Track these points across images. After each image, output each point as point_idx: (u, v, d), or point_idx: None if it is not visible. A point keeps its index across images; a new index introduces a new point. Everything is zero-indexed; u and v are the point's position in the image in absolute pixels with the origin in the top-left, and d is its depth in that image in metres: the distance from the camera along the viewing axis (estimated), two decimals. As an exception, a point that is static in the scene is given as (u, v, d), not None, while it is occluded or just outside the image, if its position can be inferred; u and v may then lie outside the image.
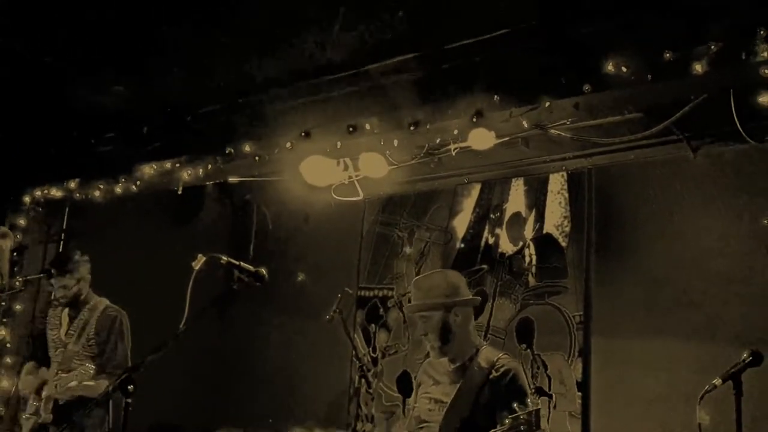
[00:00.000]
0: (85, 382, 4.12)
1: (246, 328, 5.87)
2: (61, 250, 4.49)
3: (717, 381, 2.80)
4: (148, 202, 5.26)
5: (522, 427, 2.74)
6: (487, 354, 3.28)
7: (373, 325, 5.35)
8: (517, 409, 2.77)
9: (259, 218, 5.86)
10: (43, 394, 4.26)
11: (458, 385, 3.22)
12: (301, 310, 5.52)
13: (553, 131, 3.80)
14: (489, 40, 3.70)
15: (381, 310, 5.34)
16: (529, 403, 2.80)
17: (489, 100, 3.62)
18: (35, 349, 4.65)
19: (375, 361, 5.27)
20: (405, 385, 5.08)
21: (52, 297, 4.52)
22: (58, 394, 4.14)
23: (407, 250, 5.27)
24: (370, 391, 5.15)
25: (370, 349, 5.32)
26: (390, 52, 4.05)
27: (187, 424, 5.47)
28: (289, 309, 5.59)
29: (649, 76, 3.14)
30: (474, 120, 3.67)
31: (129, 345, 4.38)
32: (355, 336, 5.29)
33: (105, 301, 4.47)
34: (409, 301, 5.07)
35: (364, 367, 5.10)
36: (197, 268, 2.92)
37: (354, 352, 5.01)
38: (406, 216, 5.35)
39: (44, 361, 4.47)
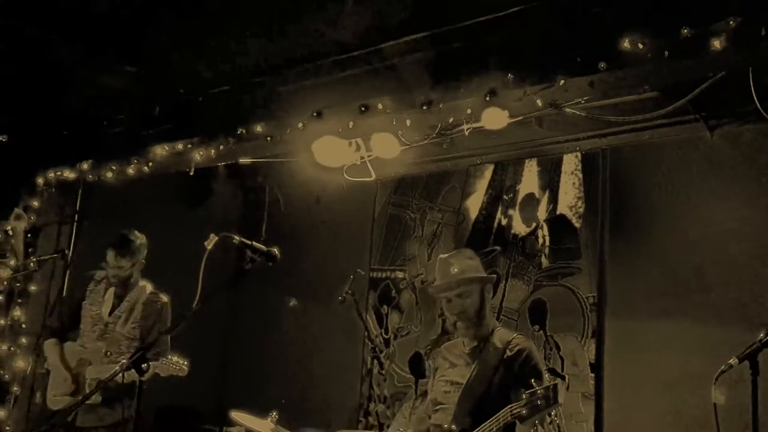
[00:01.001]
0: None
1: (258, 309, 5.88)
2: (122, 234, 4.42)
3: (733, 361, 2.77)
4: (160, 183, 5.26)
5: (539, 402, 2.74)
6: (501, 334, 3.27)
7: (385, 307, 5.36)
8: (534, 384, 2.76)
9: (271, 199, 5.85)
10: (88, 374, 4.22)
11: (473, 366, 3.21)
12: (314, 292, 5.53)
13: (567, 110, 3.75)
14: (503, 18, 3.64)
15: (393, 291, 5.34)
16: (546, 379, 2.79)
17: (502, 79, 3.57)
18: (63, 322, 4.61)
19: (387, 343, 5.28)
20: (417, 367, 5.09)
21: (107, 275, 4.45)
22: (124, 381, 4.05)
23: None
24: (383, 372, 5.17)
25: (383, 330, 5.33)
26: (402, 31, 4.00)
27: (199, 405, 5.51)
28: (301, 290, 5.59)
29: (666, 54, 3.07)
30: (487, 99, 3.61)
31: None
32: (368, 317, 5.30)
33: (149, 285, 4.46)
34: (422, 283, 5.13)
35: (377, 349, 5.13)
36: (210, 248, 2.92)
37: (366, 334, 5.03)
38: (418, 197, 5.33)
39: (66, 335, 4.44)
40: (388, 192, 5.49)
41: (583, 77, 3.38)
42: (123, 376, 3.75)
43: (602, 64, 3.25)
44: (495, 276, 3.49)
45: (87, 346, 4.34)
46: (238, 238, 2.96)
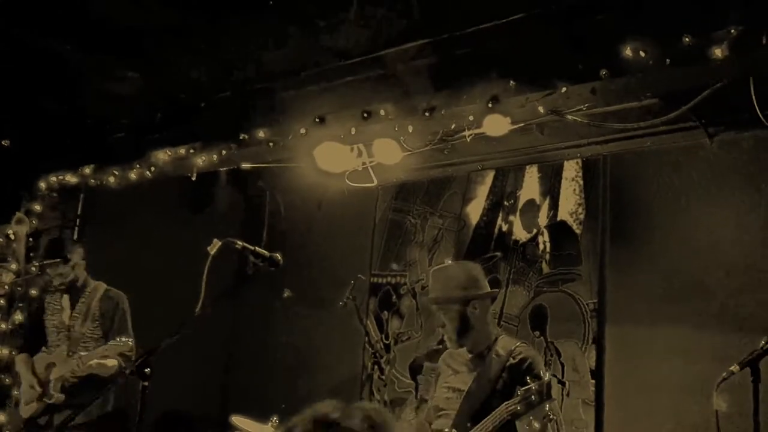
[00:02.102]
0: (99, 361, 4.19)
1: (259, 314, 5.89)
2: (51, 238, 4.63)
3: (734, 368, 2.78)
4: (162, 189, 5.27)
5: (533, 397, 2.79)
6: (504, 343, 3.28)
7: (385, 312, 5.36)
8: (528, 381, 2.80)
9: (273, 205, 5.86)
10: (52, 375, 4.32)
11: (475, 374, 3.23)
12: (315, 297, 5.54)
13: (569, 117, 3.77)
14: (505, 25, 3.67)
15: (394, 297, 5.34)
16: (542, 376, 2.84)
17: (504, 86, 3.59)
18: (27, 339, 4.73)
19: (387, 348, 5.28)
20: (417, 372, 5.09)
21: (52, 284, 4.58)
22: (80, 372, 4.20)
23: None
24: (383, 377, 5.17)
25: (383, 335, 5.33)
26: (405, 37, 4.02)
27: (200, 409, 5.51)
28: (302, 295, 5.60)
29: (668, 61, 3.09)
30: (489, 106, 3.63)
31: (131, 326, 4.48)
32: (368, 323, 5.30)
33: (103, 285, 4.55)
34: (423, 289, 5.13)
35: (377, 354, 5.14)
36: (213, 253, 2.93)
37: (367, 339, 5.04)
38: (419, 203, 5.34)
39: (35, 350, 4.55)
40: (389, 197, 5.49)
41: (584, 84, 3.40)
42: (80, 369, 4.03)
43: (604, 72, 3.27)
44: (483, 293, 3.32)
45: (54, 353, 4.46)
46: (241, 243, 2.97)
